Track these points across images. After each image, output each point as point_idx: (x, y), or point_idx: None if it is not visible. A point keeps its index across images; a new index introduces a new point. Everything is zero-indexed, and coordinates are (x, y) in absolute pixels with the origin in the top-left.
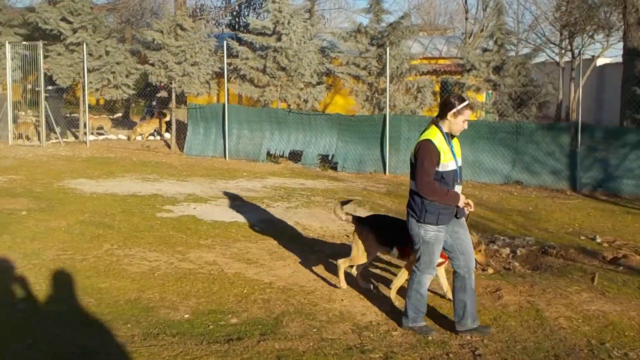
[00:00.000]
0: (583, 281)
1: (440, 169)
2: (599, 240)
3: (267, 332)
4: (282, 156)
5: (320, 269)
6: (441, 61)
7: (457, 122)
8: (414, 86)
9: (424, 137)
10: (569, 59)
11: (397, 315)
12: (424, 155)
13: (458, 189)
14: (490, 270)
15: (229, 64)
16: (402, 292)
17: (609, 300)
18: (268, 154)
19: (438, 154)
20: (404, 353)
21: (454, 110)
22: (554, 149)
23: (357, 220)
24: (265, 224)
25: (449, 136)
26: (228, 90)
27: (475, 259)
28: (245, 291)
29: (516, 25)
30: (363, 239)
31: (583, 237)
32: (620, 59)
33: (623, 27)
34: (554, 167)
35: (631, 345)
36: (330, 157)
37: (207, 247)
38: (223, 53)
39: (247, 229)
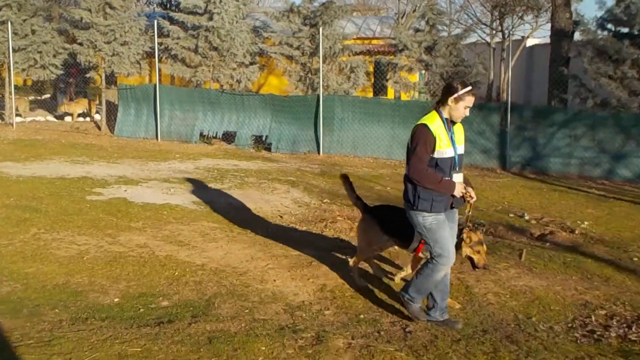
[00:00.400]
0: (511, 258)
1: (435, 155)
2: (527, 217)
3: (198, 314)
4: (215, 137)
5: (253, 250)
6: (374, 41)
7: (458, 108)
8: (347, 66)
9: (420, 121)
10: (500, 40)
11: (328, 294)
12: (417, 140)
13: (457, 177)
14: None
15: (160, 44)
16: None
17: (535, 275)
18: (201, 135)
19: (433, 139)
20: (336, 332)
21: (455, 95)
22: (484, 128)
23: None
24: (198, 206)
25: (450, 122)
26: (159, 70)
27: (472, 259)
28: (176, 273)
29: (448, 6)
30: (368, 229)
31: (512, 215)
32: (548, 40)
33: (551, 8)
34: (485, 147)
35: (556, 319)
36: (264, 138)
37: (138, 230)
38: (154, 32)
39: (179, 211)
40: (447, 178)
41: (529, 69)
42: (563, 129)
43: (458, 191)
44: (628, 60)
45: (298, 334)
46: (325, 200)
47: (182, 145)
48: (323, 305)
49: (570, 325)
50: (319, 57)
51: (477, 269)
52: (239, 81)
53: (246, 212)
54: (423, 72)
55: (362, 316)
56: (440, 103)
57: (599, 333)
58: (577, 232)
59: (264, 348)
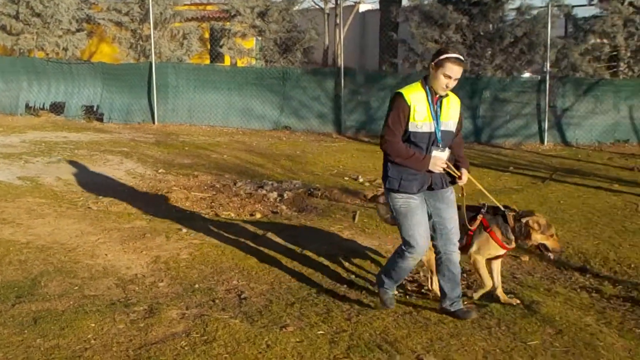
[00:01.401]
0: (345, 220)
1: (409, 128)
2: (361, 180)
3: (23, 294)
4: (42, 109)
5: (83, 224)
6: (209, 7)
7: (437, 76)
8: (179, 32)
9: (398, 90)
10: (333, 5)
11: (162, 266)
12: (390, 109)
13: (439, 154)
14: (258, 215)
15: None
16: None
17: (368, 236)
18: (27, 106)
19: (408, 109)
20: (170, 303)
21: (434, 60)
22: (319, 93)
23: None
24: (24, 181)
25: (435, 94)
26: None
27: (545, 245)
28: None
29: None
30: None
31: (347, 178)
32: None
33: None
34: (320, 112)
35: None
36: (95, 108)
37: None
38: None
39: (2, 187)
40: (422, 154)
41: (362, 34)
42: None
43: (436, 167)
44: (452, 25)
45: (130, 307)
46: (160, 171)
47: (6, 118)
48: (157, 277)
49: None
50: (149, 24)
51: (554, 254)
52: (65, 49)
53: (76, 185)
54: (259, 38)
55: (197, 286)
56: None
57: (426, 288)
58: None
59: (93, 325)
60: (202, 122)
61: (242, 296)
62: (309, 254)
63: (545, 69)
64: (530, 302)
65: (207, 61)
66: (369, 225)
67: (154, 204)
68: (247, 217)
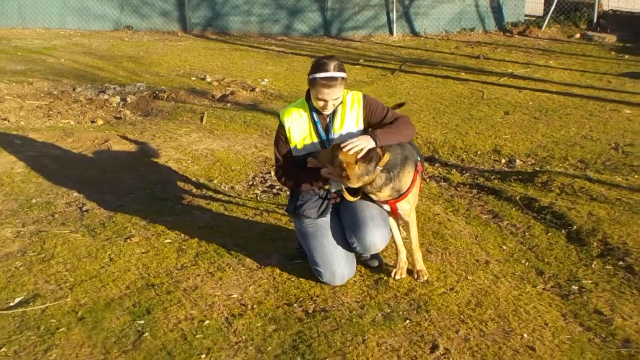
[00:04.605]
0: (192, 122)
1: (293, 152)
2: (208, 79)
3: None
4: None
5: None
6: None
7: (313, 95)
8: None
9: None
10: None
11: None
12: (274, 138)
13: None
14: (100, 122)
15: None
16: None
17: (217, 137)
18: None
19: (284, 132)
20: (4, 221)
21: (309, 77)
22: None
23: None
24: None
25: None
26: None
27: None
28: None
29: None
30: None
31: (194, 78)
32: None
33: None
34: (164, 9)
35: (237, 179)
36: None
37: None
38: None
39: None
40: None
41: None
42: None
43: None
44: None
45: None
46: None
47: None
48: None
49: (251, 183)
50: None
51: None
52: None
53: None
54: None
55: (34, 201)
56: None
57: (277, 187)
58: (257, 90)
59: None
60: (36, 25)
61: (84, 209)
62: (156, 160)
63: None
64: None
65: None
66: (217, 126)
67: None
68: (88, 124)
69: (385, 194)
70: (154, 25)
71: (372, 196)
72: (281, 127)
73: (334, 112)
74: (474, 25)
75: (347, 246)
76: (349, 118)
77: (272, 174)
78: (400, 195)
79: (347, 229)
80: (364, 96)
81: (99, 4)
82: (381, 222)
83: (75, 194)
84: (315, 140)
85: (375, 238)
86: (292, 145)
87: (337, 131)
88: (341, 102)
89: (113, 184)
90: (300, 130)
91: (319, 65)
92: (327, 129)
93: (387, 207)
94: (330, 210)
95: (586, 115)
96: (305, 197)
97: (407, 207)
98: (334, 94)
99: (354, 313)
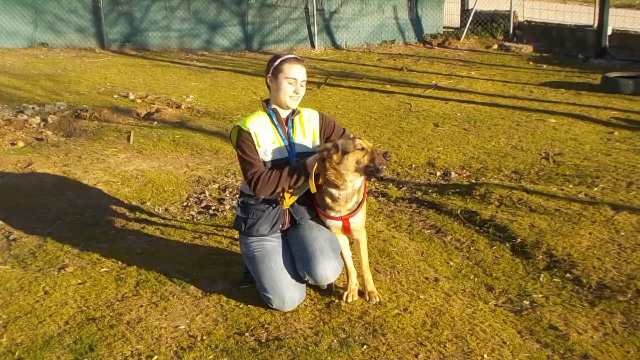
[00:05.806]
0: (119, 142)
1: (263, 158)
2: (132, 97)
3: None
4: None
5: None
6: None
7: (280, 86)
8: None
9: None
10: None
11: None
12: (235, 148)
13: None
14: (21, 144)
15: None
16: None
17: (146, 157)
18: None
19: (250, 136)
20: None
21: (270, 70)
22: (76, 5)
23: None
24: None
25: (279, 115)
26: None
27: None
28: None
29: None
30: None
31: (116, 96)
32: None
33: None
34: (80, 25)
35: (171, 200)
36: None
37: None
38: None
39: None
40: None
41: None
42: (158, 1)
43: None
44: None
45: None
46: None
47: None
48: None
49: (185, 204)
50: None
51: None
52: None
53: None
54: None
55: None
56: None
57: (214, 207)
58: (183, 107)
59: None
60: None
61: (11, 237)
62: (84, 183)
63: None
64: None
65: None
66: (145, 145)
67: None
68: (8, 147)
69: (348, 206)
70: (71, 42)
71: (332, 212)
72: (245, 133)
73: (292, 121)
74: (395, 38)
75: (297, 271)
76: (307, 128)
77: (207, 192)
78: (355, 209)
79: (297, 263)
80: (319, 112)
81: (11, 20)
82: (332, 254)
83: (0, 222)
84: (282, 145)
85: (327, 272)
86: (258, 149)
87: (298, 137)
88: (298, 112)
89: (40, 209)
90: (267, 134)
91: (277, 55)
92: (288, 135)
93: (339, 224)
94: (279, 230)
95: (513, 125)
96: (255, 214)
97: (359, 222)
98: (304, 74)
99: (309, 340)
